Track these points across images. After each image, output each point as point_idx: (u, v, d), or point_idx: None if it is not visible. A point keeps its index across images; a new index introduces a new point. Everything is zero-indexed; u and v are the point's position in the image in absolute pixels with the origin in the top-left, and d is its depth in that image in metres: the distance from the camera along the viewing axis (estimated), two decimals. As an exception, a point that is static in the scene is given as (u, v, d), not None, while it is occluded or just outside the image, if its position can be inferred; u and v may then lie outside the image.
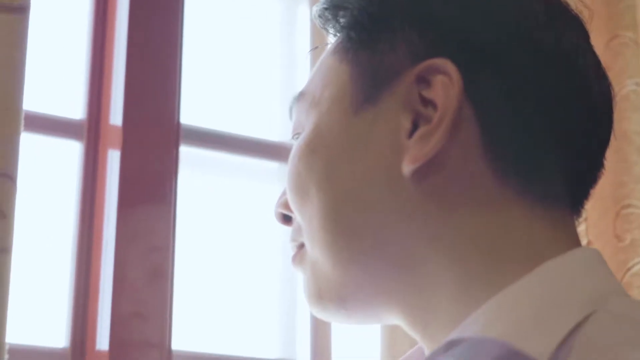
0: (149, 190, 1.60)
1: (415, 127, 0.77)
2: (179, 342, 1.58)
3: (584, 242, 1.60)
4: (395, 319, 0.82)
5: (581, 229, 1.64)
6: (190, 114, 1.69)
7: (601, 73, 0.82)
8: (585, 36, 0.83)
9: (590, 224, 1.73)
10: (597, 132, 0.82)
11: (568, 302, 0.73)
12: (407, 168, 0.76)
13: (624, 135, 1.71)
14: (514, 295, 0.74)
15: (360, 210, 0.80)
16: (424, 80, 0.77)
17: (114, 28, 1.66)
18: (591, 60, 0.82)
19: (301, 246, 0.85)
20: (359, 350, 1.70)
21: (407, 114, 0.78)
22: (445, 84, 0.76)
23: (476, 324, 0.73)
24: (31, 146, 1.53)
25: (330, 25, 0.85)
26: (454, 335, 0.73)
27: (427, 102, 0.77)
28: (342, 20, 0.83)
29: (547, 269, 0.74)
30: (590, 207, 1.69)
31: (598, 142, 0.82)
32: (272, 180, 1.73)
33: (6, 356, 1.19)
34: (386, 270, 0.80)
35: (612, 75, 1.62)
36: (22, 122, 1.28)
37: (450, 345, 0.72)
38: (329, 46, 0.86)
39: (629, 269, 1.67)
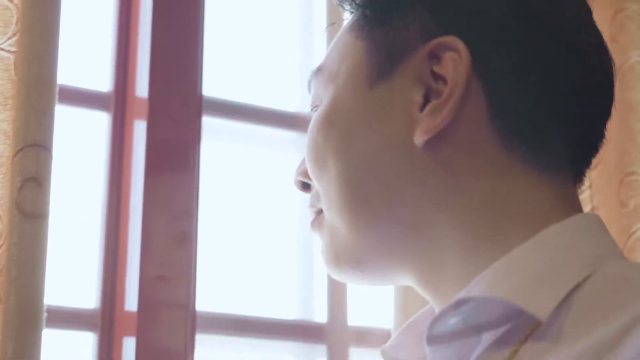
0: (173, 158, 1.62)
1: (426, 100, 0.80)
2: (202, 303, 1.61)
3: (587, 208, 1.69)
4: (408, 280, 0.85)
5: (585, 195, 1.67)
6: (212, 86, 1.70)
7: (603, 47, 0.84)
8: (588, 12, 0.84)
9: (596, 190, 1.73)
10: (598, 104, 0.84)
11: (568, 265, 0.76)
12: (419, 139, 0.79)
13: (629, 105, 1.70)
14: (518, 258, 0.76)
15: (375, 178, 0.82)
16: (435, 57, 0.79)
17: (139, 5, 1.67)
18: (593, 35, 0.84)
19: (319, 212, 0.88)
20: (373, 310, 1.73)
21: (419, 88, 0.80)
22: (455, 60, 0.78)
23: (483, 284, 0.76)
24: (63, 117, 1.52)
25: (347, 2, 0.86)
26: (462, 294, 0.76)
27: (437, 77, 0.80)
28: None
29: (550, 234, 0.77)
30: (596, 174, 1.73)
31: (599, 113, 0.84)
32: (289, 149, 1.74)
33: (45, 315, 1.24)
34: (399, 233, 0.82)
35: (617, 47, 1.63)
36: (57, 96, 1.32)
37: (459, 303, 0.75)
38: (346, 23, 0.87)
39: (632, 234, 1.68)
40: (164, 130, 1.61)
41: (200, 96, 1.65)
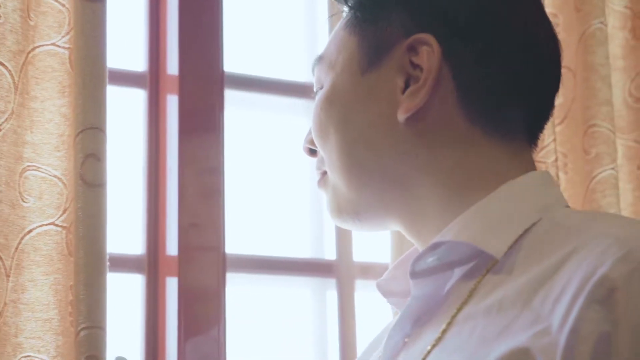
0: (201, 125, 1.69)
1: (407, 85, 0.88)
2: (231, 246, 1.70)
3: (552, 157, 1.70)
4: (397, 227, 0.94)
5: (550, 148, 1.70)
6: (232, 62, 1.76)
7: (552, 36, 0.92)
8: (539, 7, 0.93)
9: (564, 140, 1.77)
10: (548, 82, 0.92)
11: (519, 214, 0.85)
12: (401, 116, 0.88)
13: (591, 66, 1.75)
14: (480, 209, 0.86)
15: (367, 147, 0.90)
16: (413, 50, 0.88)
17: None
18: (543, 26, 0.92)
19: (324, 173, 0.96)
20: (375, 248, 1.78)
21: (401, 75, 0.89)
22: (429, 52, 0.86)
23: (453, 231, 0.85)
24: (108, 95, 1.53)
25: (343, 2, 0.94)
26: (437, 239, 0.85)
27: (415, 66, 0.88)
28: (350, 1, 0.93)
29: (506, 189, 0.86)
30: (563, 127, 1.77)
31: (549, 89, 0.92)
32: (299, 114, 1.79)
33: (107, 263, 1.37)
34: (388, 191, 0.91)
35: (581, 15, 1.76)
36: (107, 84, 1.40)
37: (435, 246, 0.85)
38: (341, 20, 0.95)
39: (593, 177, 1.72)
40: (192, 101, 1.69)
41: (222, 71, 1.72)
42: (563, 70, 1.73)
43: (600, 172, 1.73)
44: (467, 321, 0.81)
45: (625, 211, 1.81)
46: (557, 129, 1.78)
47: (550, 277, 0.76)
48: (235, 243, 1.75)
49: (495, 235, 0.83)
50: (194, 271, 1.64)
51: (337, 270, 1.84)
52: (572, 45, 1.79)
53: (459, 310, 0.82)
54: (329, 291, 1.85)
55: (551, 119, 1.62)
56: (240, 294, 1.79)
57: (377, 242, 1.74)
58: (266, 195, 1.84)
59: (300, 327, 1.85)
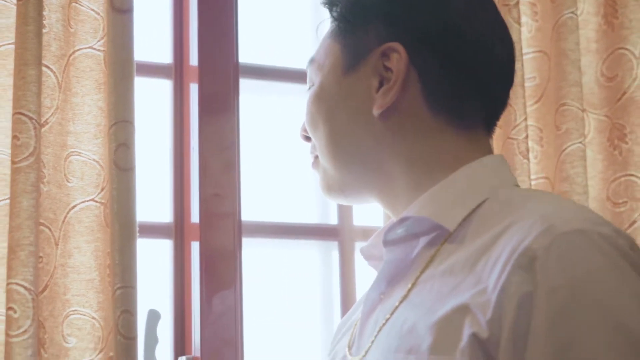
0: (219, 108, 1.76)
1: (380, 85, 0.94)
2: (246, 214, 1.77)
3: (522, 135, 1.77)
4: (376, 202, 1.00)
5: (521, 126, 1.77)
6: (246, 55, 1.83)
7: (507, 39, 0.97)
8: (495, 14, 0.97)
9: (540, 117, 1.83)
10: (502, 80, 0.97)
11: (472, 192, 0.91)
12: (376, 111, 0.94)
13: (562, 51, 1.81)
14: (439, 189, 0.92)
15: (350, 137, 0.96)
16: (385, 55, 0.94)
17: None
18: (498, 31, 0.96)
19: (316, 157, 1.02)
20: (372, 213, 1.80)
21: (375, 77, 0.94)
22: (398, 58, 0.93)
23: (416, 207, 0.92)
24: (139, 85, 1.59)
25: (329, 14, 1.00)
26: (404, 214, 0.93)
27: (387, 69, 0.93)
28: (334, 13, 0.99)
29: (462, 171, 0.92)
30: (541, 104, 1.84)
31: (503, 86, 0.98)
32: (304, 98, 1.52)
33: (137, 234, 1.48)
34: (367, 173, 0.97)
35: (554, 6, 1.86)
36: (135, 82, 1.51)
37: (402, 220, 0.92)
38: (328, 28, 1.01)
39: (564, 150, 1.79)
40: (211, 88, 1.75)
41: (237, 62, 1.80)
42: (540, 55, 1.84)
43: (570, 146, 1.80)
44: (427, 282, 0.88)
45: (595, 178, 1.88)
46: (535, 106, 1.84)
47: (490, 247, 0.83)
48: (249, 211, 1.80)
49: (450, 211, 0.90)
50: (214, 236, 1.70)
51: (339, 234, 1.91)
52: (547, 32, 1.86)
53: (421, 272, 0.89)
54: (334, 252, 1.91)
55: (527, 98, 1.76)
56: (255, 255, 1.83)
57: (374, 209, 1.77)
58: (277, 169, 1.88)
59: (308, 284, 1.90)
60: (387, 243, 0.93)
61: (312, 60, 1.01)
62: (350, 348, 0.98)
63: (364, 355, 0.92)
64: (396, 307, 0.89)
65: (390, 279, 0.93)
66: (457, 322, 0.81)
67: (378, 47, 0.94)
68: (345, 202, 1.05)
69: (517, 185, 0.95)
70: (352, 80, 0.96)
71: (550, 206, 0.85)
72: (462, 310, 0.81)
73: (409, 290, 0.89)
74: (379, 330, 0.91)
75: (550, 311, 0.77)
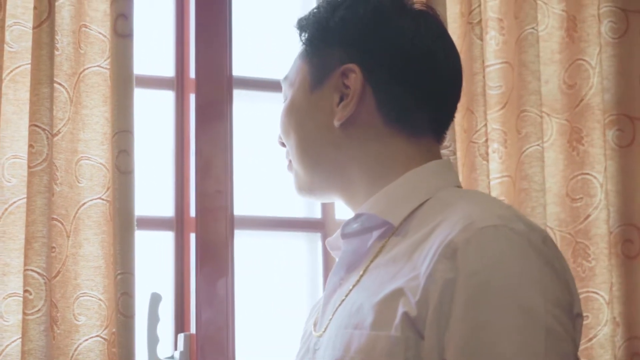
0: (215, 116, 1.84)
1: (341, 100, 1.01)
2: (238, 208, 1.83)
3: (483, 139, 1.85)
4: (340, 200, 1.07)
5: (481, 132, 1.85)
6: (238, 68, 1.90)
7: (453, 58, 1.02)
8: (443, 35, 1.03)
9: (504, 121, 1.93)
10: (449, 94, 1.04)
11: (415, 193, 0.97)
12: (336, 123, 1.01)
13: (523, 63, 1.91)
14: (388, 190, 0.98)
15: (315, 145, 1.03)
16: (345, 75, 1.01)
17: (190, 17, 1.90)
18: (445, 51, 1.02)
19: (290, 161, 1.08)
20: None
21: (337, 93, 1.01)
22: (355, 77, 1.00)
23: (369, 205, 0.99)
24: (146, 96, 1.79)
25: (299, 39, 1.07)
26: (359, 211, 1.00)
27: (347, 87, 1.01)
28: (303, 38, 1.06)
29: (410, 174, 0.99)
30: (506, 110, 1.94)
31: (451, 99, 1.04)
32: None
33: (135, 227, 1.59)
34: (331, 176, 1.04)
35: (517, 22, 1.99)
36: (134, 96, 1.61)
37: (357, 216, 1.01)
38: (299, 50, 1.07)
39: (523, 152, 1.87)
40: (207, 98, 1.85)
41: (231, 75, 1.89)
42: (505, 65, 1.97)
43: (528, 148, 1.90)
44: (375, 269, 0.95)
45: (557, 177, 1.99)
46: (501, 112, 1.94)
47: (425, 240, 0.91)
48: (242, 206, 1.88)
49: (396, 209, 0.97)
50: (208, 228, 1.79)
51: (323, 227, 1.99)
52: (511, 45, 1.97)
53: (371, 261, 0.96)
54: (318, 242, 1.99)
55: (494, 105, 1.87)
56: (246, 246, 1.90)
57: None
58: (266, 169, 1.94)
59: (295, 272, 1.96)
60: (344, 235, 1.01)
61: (285, 78, 1.08)
62: (315, 325, 1.05)
63: (324, 331, 0.99)
64: (350, 291, 0.97)
65: (348, 267, 1.01)
66: (394, 303, 0.88)
67: (339, 68, 1.01)
68: (315, 199, 1.13)
69: (459, 186, 1.02)
70: (317, 96, 1.03)
71: (476, 206, 0.92)
72: (398, 293, 0.88)
73: (361, 276, 0.97)
74: (336, 310, 0.98)
75: (467, 295, 0.84)
